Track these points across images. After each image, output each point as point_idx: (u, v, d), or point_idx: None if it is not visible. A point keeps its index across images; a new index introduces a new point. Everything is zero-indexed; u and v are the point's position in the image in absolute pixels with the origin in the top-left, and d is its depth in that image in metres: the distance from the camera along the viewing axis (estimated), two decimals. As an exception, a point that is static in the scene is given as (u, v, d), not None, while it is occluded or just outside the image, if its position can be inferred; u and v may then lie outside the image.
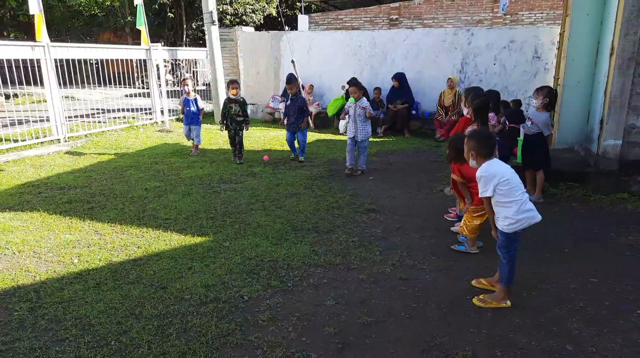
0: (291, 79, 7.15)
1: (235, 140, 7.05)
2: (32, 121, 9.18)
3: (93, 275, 3.56)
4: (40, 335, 2.81)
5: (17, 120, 9.19)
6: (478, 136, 3.29)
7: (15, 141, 7.54)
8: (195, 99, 7.48)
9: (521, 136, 5.52)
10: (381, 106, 10.00)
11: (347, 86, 8.44)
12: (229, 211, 5.00)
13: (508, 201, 3.05)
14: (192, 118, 7.47)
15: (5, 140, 7.53)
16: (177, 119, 10.92)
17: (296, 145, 7.34)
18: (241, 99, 7.04)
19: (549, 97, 5.25)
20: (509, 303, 3.18)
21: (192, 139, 7.58)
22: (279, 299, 3.27)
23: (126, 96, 14.54)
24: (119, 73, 11.26)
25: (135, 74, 17.54)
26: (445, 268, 3.77)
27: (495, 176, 3.03)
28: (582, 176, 5.63)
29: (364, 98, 6.40)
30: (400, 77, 9.80)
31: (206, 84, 18.65)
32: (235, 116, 6.98)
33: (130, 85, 17.22)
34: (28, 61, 7.55)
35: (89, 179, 6.18)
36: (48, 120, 8.27)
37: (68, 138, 8.17)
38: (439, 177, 6.46)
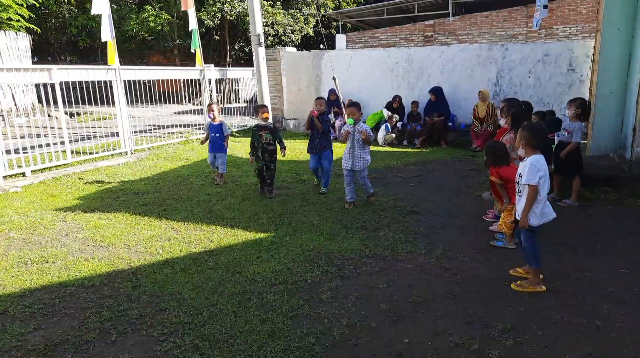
0: (320, 97, 6.77)
1: (264, 172, 6.19)
2: (99, 136, 10.15)
3: (178, 262, 4.18)
4: (145, 306, 3.42)
5: (85, 136, 10.18)
6: (532, 127, 3.69)
7: (90, 153, 8.44)
8: (221, 125, 6.97)
9: (555, 144, 5.89)
10: (418, 119, 10.47)
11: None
12: (285, 212, 5.57)
13: (540, 197, 3.47)
14: (218, 145, 6.96)
15: (83, 153, 8.44)
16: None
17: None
18: (271, 126, 6.25)
19: (581, 108, 5.61)
20: (543, 288, 3.58)
21: (217, 168, 7.08)
22: (337, 283, 3.78)
23: (176, 112, 15.57)
24: (167, 92, 12.19)
25: (184, 93, 18.73)
26: (484, 260, 4.19)
27: (541, 170, 3.46)
28: (616, 181, 5.91)
29: (361, 122, 5.68)
30: (436, 91, 10.27)
31: (246, 101, 19.62)
32: (267, 145, 6.14)
33: (178, 102, 18.37)
34: (89, 82, 8.46)
35: (157, 186, 6.93)
36: (114, 135, 9.16)
37: (134, 150, 9.03)
38: (476, 183, 6.84)
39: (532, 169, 3.46)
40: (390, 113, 10.61)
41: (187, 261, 4.20)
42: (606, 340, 2.92)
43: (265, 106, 6.34)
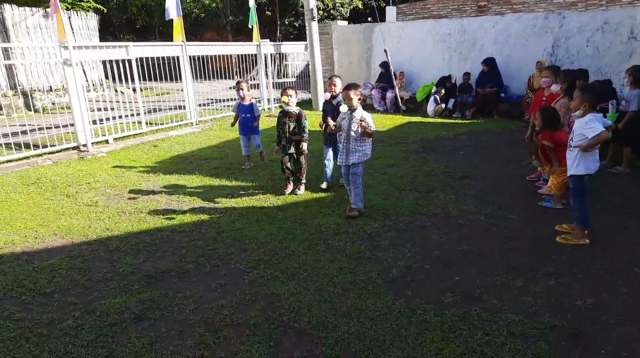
0: (334, 75, 5.61)
1: (290, 165, 5.37)
2: (165, 109, 10.96)
3: (252, 215, 4.76)
4: (229, 247, 4.02)
5: (152, 108, 11.02)
6: (593, 89, 3.96)
7: (161, 124, 9.23)
8: (251, 105, 6.40)
9: (610, 112, 5.95)
10: (470, 90, 10.54)
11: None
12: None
13: (590, 152, 3.75)
14: (248, 127, 6.42)
15: (154, 123, 9.25)
16: (280, 106, 12.27)
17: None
18: (296, 112, 5.32)
19: (633, 75, 5.65)
20: (587, 241, 3.87)
21: (248, 154, 6.57)
22: (394, 233, 4.23)
23: (230, 87, 16.26)
24: (221, 68, 12.77)
25: (236, 69, 19.42)
26: (532, 218, 4.50)
27: (599, 124, 3.72)
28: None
29: (361, 109, 4.53)
30: (489, 62, 10.25)
31: (296, 76, 20.04)
32: (292, 135, 5.29)
33: (231, 78, 19.08)
34: (155, 59, 9.14)
35: (223, 153, 7.57)
36: (179, 108, 9.92)
37: (198, 121, 9.75)
38: (526, 152, 6.99)
39: (594, 122, 3.69)
40: (437, 88, 10.72)
41: (259, 215, 4.77)
42: (643, 283, 3.22)
43: (291, 88, 5.34)
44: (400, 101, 11.24)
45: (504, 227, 4.31)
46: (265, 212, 4.84)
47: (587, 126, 3.73)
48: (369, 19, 23.24)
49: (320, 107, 11.86)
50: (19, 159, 6.94)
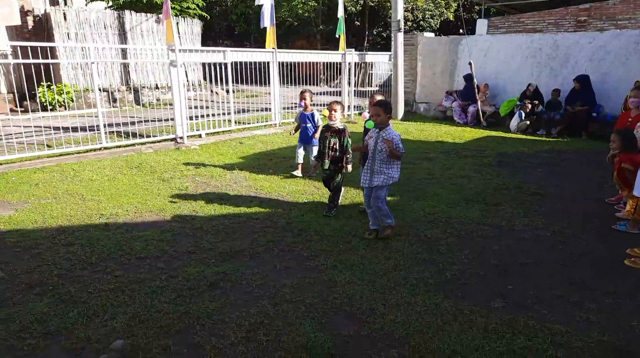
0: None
1: (330, 184, 5.10)
2: (252, 110, 11.78)
3: (319, 211, 5.09)
4: (296, 236, 4.39)
5: (241, 109, 11.89)
6: None
7: (248, 123, 10.00)
8: (312, 115, 6.37)
9: None
10: (559, 108, 10.11)
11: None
12: (410, 183, 6.20)
13: None
14: (308, 136, 6.41)
15: (242, 122, 10.04)
16: (359, 114, 12.61)
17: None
18: (340, 128, 4.96)
19: None
20: (659, 267, 3.71)
21: (300, 162, 6.51)
22: (453, 240, 4.34)
23: (315, 93, 16.92)
24: (307, 74, 13.33)
25: (322, 75, 20.13)
26: (602, 240, 4.36)
27: None
28: None
29: (391, 127, 4.19)
30: (582, 79, 9.78)
31: (379, 85, 20.29)
32: (331, 151, 4.97)
33: (316, 84, 19.81)
34: (246, 63, 9.89)
35: (301, 153, 8.05)
36: (265, 110, 10.64)
37: (281, 123, 10.39)
38: (610, 174, 6.64)
39: None
40: (520, 103, 10.39)
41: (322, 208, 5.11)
42: None
43: (336, 102, 5.04)
44: (482, 115, 11.05)
45: (570, 245, 4.24)
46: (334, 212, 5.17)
47: None
48: (461, 31, 22.87)
49: (400, 117, 12.08)
50: (127, 145, 7.95)
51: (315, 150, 6.24)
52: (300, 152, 6.55)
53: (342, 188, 5.27)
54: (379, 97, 4.92)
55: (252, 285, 3.45)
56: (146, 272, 3.64)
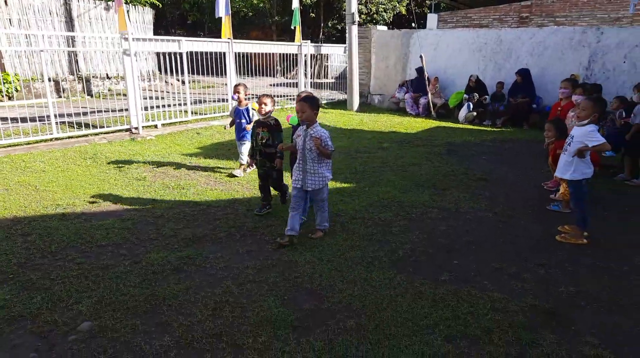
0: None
1: (266, 181, 4.81)
2: (208, 101, 11.70)
3: (275, 198, 5.27)
4: (257, 221, 4.53)
5: (197, 99, 11.78)
6: (603, 101, 4.26)
7: (204, 114, 9.95)
8: (247, 110, 6.03)
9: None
10: (502, 99, 10.73)
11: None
12: (365, 171, 6.48)
13: (588, 159, 4.07)
14: (244, 132, 6.06)
15: (198, 113, 9.98)
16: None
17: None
18: (272, 122, 4.73)
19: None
20: (585, 241, 4.16)
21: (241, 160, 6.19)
22: (405, 222, 4.63)
23: (270, 84, 16.96)
24: (262, 66, 13.40)
25: (276, 67, 20.17)
26: (538, 220, 4.80)
27: (600, 135, 4.07)
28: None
29: (318, 125, 4.04)
30: (523, 73, 10.42)
31: (334, 77, 20.58)
32: (264, 147, 4.72)
33: (272, 76, 19.81)
34: (201, 53, 9.82)
35: (259, 143, 8.15)
36: (220, 101, 10.61)
37: (238, 114, 10.41)
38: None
39: (596, 132, 4.06)
40: (467, 96, 10.95)
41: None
42: (627, 280, 3.51)
43: (268, 96, 4.86)
44: (432, 107, 11.53)
45: (510, 224, 4.64)
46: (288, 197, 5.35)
47: (590, 135, 4.03)
48: (413, 24, 23.54)
49: (355, 108, 12.39)
50: (79, 136, 7.76)
51: (246, 147, 6.02)
52: (241, 150, 6.16)
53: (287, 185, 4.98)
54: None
55: (215, 268, 3.58)
56: (109, 259, 3.68)
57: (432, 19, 16.79)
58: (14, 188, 5.32)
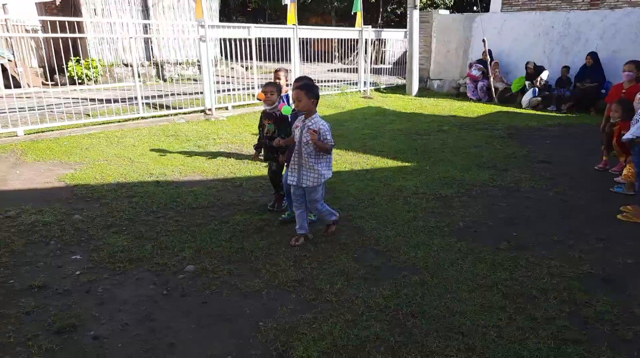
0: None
1: (277, 181, 4.43)
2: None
3: (343, 174, 5.66)
4: (327, 193, 4.95)
5: (260, 84, 12.36)
6: None
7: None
8: (287, 96, 5.21)
9: None
10: (568, 84, 10.46)
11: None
12: (426, 151, 6.72)
13: None
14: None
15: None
16: (376, 90, 13.03)
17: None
18: (278, 114, 4.24)
19: None
20: (647, 220, 4.23)
21: None
22: (465, 198, 4.88)
23: (329, 70, 17.29)
24: (321, 51, 13.68)
25: (334, 53, 20.45)
26: (600, 199, 4.88)
27: None
28: None
29: (318, 116, 3.62)
30: (595, 56, 10.09)
31: (392, 62, 20.57)
32: (268, 140, 4.32)
33: (329, 61, 20.14)
34: (266, 40, 10.26)
35: (322, 125, 8.57)
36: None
37: (301, 97, 10.87)
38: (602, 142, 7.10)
39: None
40: (529, 82, 10.77)
41: (350, 174, 5.67)
42: (688, 256, 3.61)
43: (271, 84, 4.31)
44: (494, 91, 11.43)
45: (571, 203, 4.77)
46: (355, 173, 5.73)
47: None
48: (475, 7, 22.88)
49: (414, 93, 12.50)
50: (161, 116, 8.53)
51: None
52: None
53: None
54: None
55: (292, 230, 4.04)
56: (201, 218, 4.25)
57: (496, 1, 16.34)
58: (112, 159, 6.07)
